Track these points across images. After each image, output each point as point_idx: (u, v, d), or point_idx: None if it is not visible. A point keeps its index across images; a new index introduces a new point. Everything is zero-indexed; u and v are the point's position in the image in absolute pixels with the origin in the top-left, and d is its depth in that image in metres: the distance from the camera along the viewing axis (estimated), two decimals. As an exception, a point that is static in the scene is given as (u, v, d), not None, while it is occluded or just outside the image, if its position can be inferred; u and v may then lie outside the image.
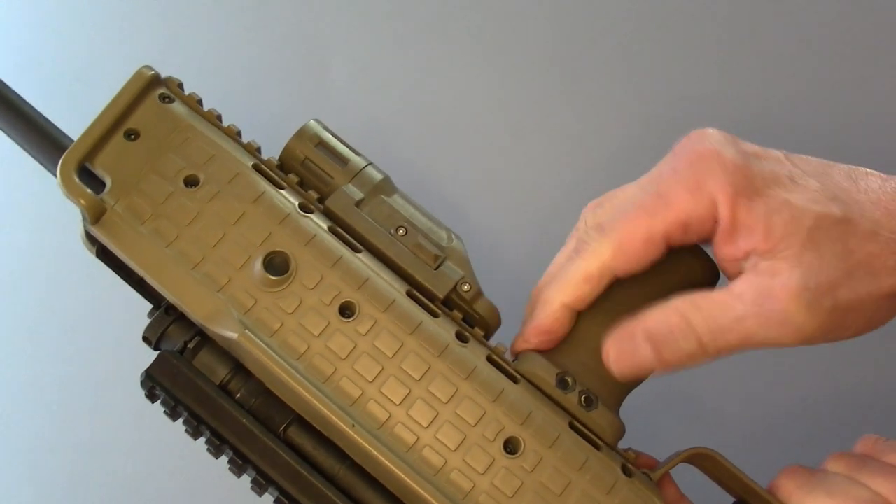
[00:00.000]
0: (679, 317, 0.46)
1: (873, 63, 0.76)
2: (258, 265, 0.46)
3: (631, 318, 0.47)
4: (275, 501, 0.46)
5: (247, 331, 0.45)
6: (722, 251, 0.47)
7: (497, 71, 0.77)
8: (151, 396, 0.48)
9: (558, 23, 0.78)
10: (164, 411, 0.48)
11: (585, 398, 0.48)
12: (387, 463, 0.45)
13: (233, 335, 0.45)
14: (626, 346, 0.47)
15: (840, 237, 0.45)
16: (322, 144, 0.51)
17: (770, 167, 0.46)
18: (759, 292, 0.45)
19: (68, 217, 0.70)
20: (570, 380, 0.48)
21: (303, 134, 0.51)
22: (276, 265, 0.47)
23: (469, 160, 0.75)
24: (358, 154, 0.51)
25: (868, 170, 0.48)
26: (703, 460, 0.48)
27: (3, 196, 0.75)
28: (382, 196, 0.50)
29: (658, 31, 0.78)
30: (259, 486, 0.46)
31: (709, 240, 0.47)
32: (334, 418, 0.45)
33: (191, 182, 0.48)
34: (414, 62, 0.78)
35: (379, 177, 0.51)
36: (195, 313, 0.46)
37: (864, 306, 0.46)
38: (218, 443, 0.46)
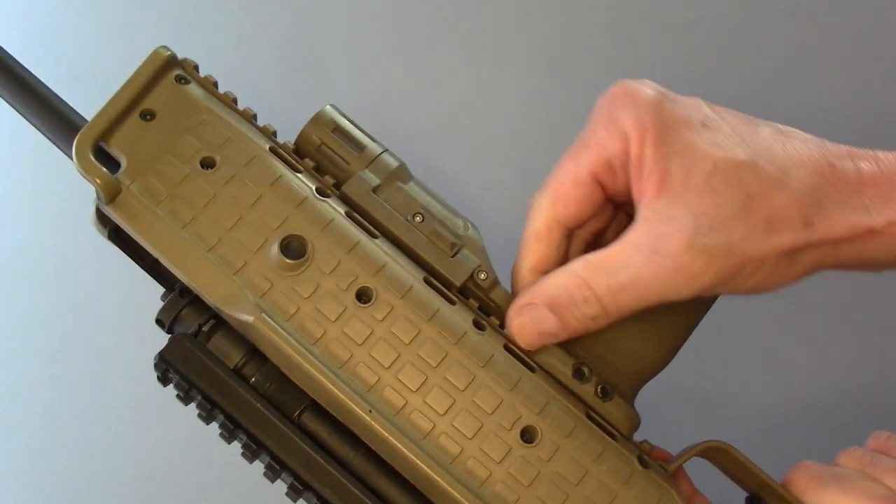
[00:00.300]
0: (577, 280, 0.46)
1: (872, 57, 0.76)
2: (275, 249, 0.46)
3: (531, 285, 0.47)
4: (289, 487, 0.46)
5: (263, 314, 0.45)
6: (634, 190, 0.46)
7: (498, 68, 0.77)
8: (164, 380, 0.47)
9: (558, 20, 0.78)
10: (177, 395, 0.47)
11: (602, 389, 0.48)
12: (403, 450, 0.44)
13: (248, 318, 0.45)
14: (527, 315, 0.47)
15: (740, 182, 0.44)
16: (338, 130, 0.51)
17: (685, 110, 0.45)
18: (654, 240, 0.44)
19: (68, 215, 0.70)
20: (586, 370, 0.48)
21: (319, 119, 0.51)
22: (293, 249, 0.46)
23: (472, 157, 0.75)
24: (374, 140, 0.51)
25: (799, 130, 0.47)
26: (716, 454, 0.48)
27: (2, 196, 0.75)
28: (399, 183, 0.50)
29: (661, 31, 0.77)
30: (272, 472, 0.46)
31: None
32: (351, 404, 0.44)
33: (207, 164, 0.48)
34: (414, 60, 0.77)
35: (395, 164, 0.50)
36: (210, 296, 0.46)
37: (761, 258, 0.44)
38: (231, 427, 0.46)
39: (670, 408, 0.62)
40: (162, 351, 0.46)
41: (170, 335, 0.47)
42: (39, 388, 0.68)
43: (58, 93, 0.52)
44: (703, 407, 0.66)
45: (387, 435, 0.44)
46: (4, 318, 0.72)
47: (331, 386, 0.44)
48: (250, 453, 0.46)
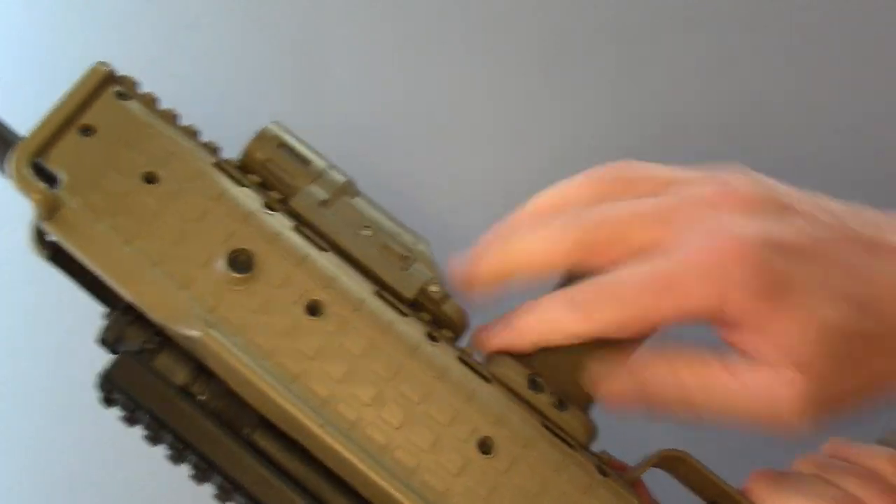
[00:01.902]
0: (680, 389, 0.44)
1: (873, 62, 0.76)
2: (221, 263, 0.45)
3: (627, 361, 0.45)
4: None
5: (210, 329, 0.44)
6: (726, 335, 0.45)
7: (497, 73, 0.76)
8: (108, 401, 0.45)
9: (557, 24, 0.77)
10: (123, 416, 0.45)
11: (557, 399, 0.47)
12: (359, 464, 0.43)
13: (196, 334, 0.44)
14: (617, 392, 0.46)
15: (854, 347, 0.44)
16: (284, 146, 0.50)
17: (796, 242, 0.43)
18: (770, 398, 0.44)
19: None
20: (541, 381, 0.47)
21: (263, 136, 0.50)
22: (241, 263, 0.45)
23: (467, 163, 0.74)
24: (321, 156, 0.50)
25: (888, 241, 0.46)
26: (674, 463, 0.48)
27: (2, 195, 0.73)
28: (346, 198, 0.50)
29: (653, 33, 0.77)
30: (224, 493, 0.44)
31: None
32: (303, 419, 0.43)
33: (150, 179, 0.46)
34: (414, 64, 0.76)
35: (343, 179, 0.50)
36: (156, 312, 0.44)
37: (859, 411, 0.46)
38: (181, 447, 0.44)
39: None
40: (106, 371, 0.45)
41: (114, 355, 0.46)
42: (39, 388, 0.66)
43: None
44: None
45: (341, 450, 0.43)
46: (4, 318, 0.70)
47: (282, 401, 0.43)
48: (200, 474, 0.44)
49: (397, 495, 0.43)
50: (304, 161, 0.50)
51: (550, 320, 0.45)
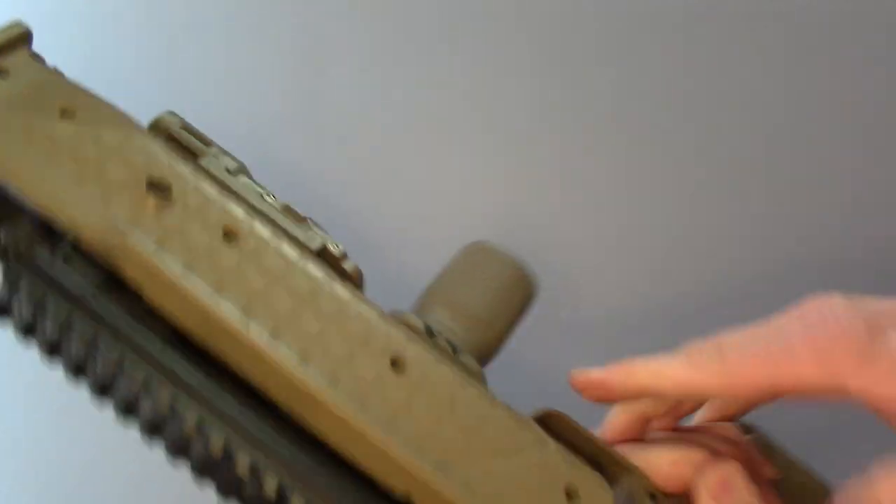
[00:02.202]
0: None
1: (875, 61, 0.78)
2: (140, 184, 0.46)
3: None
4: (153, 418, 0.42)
5: (133, 235, 0.44)
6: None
7: (496, 76, 0.78)
8: (5, 310, 0.43)
9: (556, 27, 0.80)
10: (23, 322, 0.43)
11: (452, 345, 0.50)
12: (282, 365, 0.43)
13: (117, 241, 0.44)
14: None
15: None
16: (184, 128, 0.52)
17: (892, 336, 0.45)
18: None
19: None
20: (435, 331, 0.50)
21: (160, 122, 0.52)
22: (159, 189, 0.46)
23: (466, 165, 0.74)
24: (215, 143, 0.53)
25: None
26: (550, 421, 0.50)
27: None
28: (244, 176, 0.52)
29: (651, 36, 0.79)
30: (133, 396, 0.42)
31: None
32: (228, 319, 0.43)
33: (67, 113, 0.48)
34: (413, 67, 0.78)
35: (238, 163, 0.53)
36: (75, 221, 0.44)
37: None
38: (93, 346, 0.42)
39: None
40: (7, 272, 0.43)
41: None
42: (40, 388, 0.58)
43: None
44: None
45: (266, 351, 0.43)
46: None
47: (206, 302, 0.44)
48: (108, 378, 0.42)
49: (320, 397, 0.43)
50: (205, 142, 0.52)
51: (659, 365, 0.48)
